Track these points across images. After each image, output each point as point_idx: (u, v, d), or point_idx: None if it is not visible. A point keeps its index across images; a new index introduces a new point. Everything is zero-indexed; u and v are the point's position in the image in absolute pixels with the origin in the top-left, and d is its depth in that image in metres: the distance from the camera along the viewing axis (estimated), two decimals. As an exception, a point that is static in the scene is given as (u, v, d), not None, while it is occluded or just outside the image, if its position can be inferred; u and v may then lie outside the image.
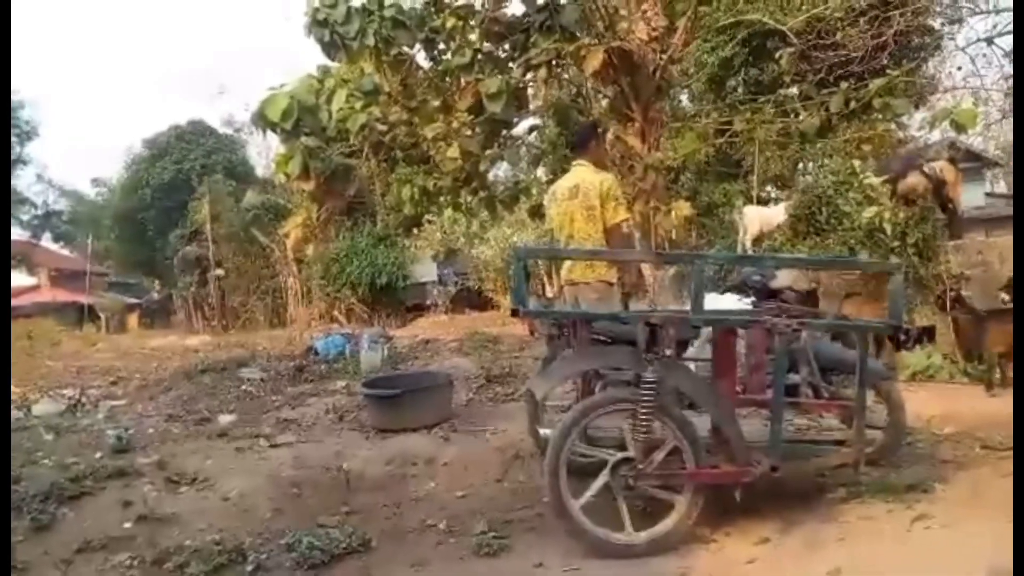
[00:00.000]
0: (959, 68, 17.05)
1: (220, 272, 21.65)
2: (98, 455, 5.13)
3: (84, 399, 7.55)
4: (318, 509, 4.23)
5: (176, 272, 24.37)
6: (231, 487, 4.50)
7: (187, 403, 7.17)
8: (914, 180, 7.49)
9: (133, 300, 28.68)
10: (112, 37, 65.15)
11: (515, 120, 8.58)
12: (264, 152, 29.91)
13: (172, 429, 6.06)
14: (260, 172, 29.40)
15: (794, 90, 9.91)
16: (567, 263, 5.09)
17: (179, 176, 27.44)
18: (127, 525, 3.99)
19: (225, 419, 6.40)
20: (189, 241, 23.74)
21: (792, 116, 8.89)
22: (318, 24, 7.04)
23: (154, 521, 4.02)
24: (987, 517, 3.20)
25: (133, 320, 24.48)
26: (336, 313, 17.24)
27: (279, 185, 21.64)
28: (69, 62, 67.61)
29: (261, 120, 7.09)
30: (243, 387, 7.82)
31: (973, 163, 21.14)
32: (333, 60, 7.50)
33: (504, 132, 8.62)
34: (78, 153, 62.15)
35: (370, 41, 6.99)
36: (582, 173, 4.96)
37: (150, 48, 64.73)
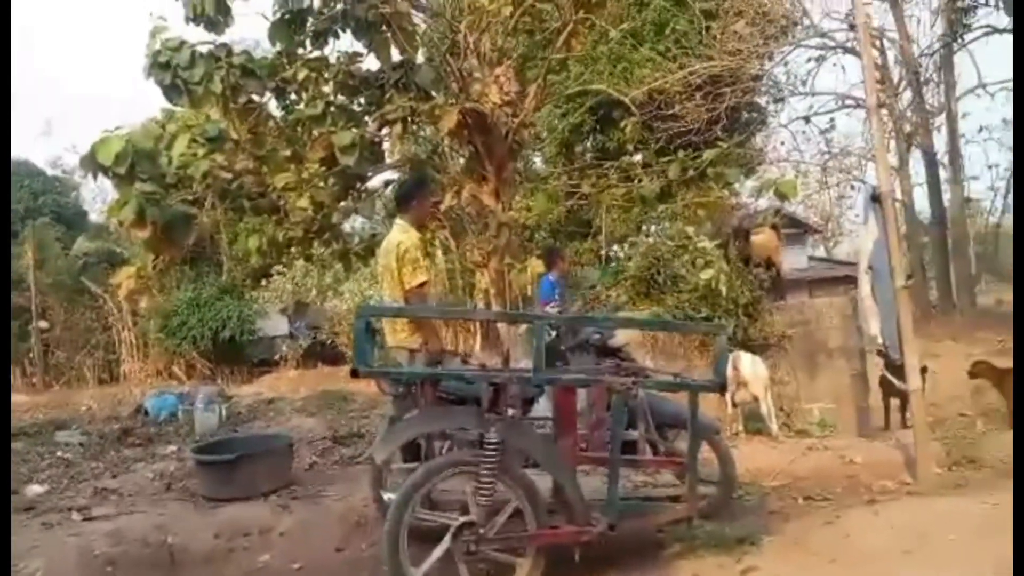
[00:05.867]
0: (783, 143, 19.07)
1: (44, 324, 19.77)
2: None
3: None
4: (135, 590, 3.85)
5: (-10, 324, 22.06)
6: (32, 569, 4.00)
7: (-11, 473, 6.37)
8: (760, 238, 8.09)
9: (-64, 355, 25.61)
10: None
11: (370, 174, 8.53)
12: (100, 196, 28.00)
13: (-34, 504, 5.34)
14: (94, 217, 27.39)
15: (638, 157, 10.53)
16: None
17: (-1, 219, 25.07)
18: None
19: (33, 490, 5.72)
20: (8, 290, 21.63)
21: (635, 181, 9.41)
22: (159, 67, 6.76)
23: (-69, 617, 3.48)
24: (809, 565, 3.42)
25: (-65, 378, 21.77)
26: (176, 369, 16.15)
27: (115, 231, 20.26)
28: None
29: (91, 163, 6.59)
30: (59, 453, 7.06)
31: (796, 229, 23.31)
32: (175, 104, 7.21)
33: (359, 185, 8.54)
34: None
35: (216, 88, 6.80)
36: (394, 232, 4.77)
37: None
